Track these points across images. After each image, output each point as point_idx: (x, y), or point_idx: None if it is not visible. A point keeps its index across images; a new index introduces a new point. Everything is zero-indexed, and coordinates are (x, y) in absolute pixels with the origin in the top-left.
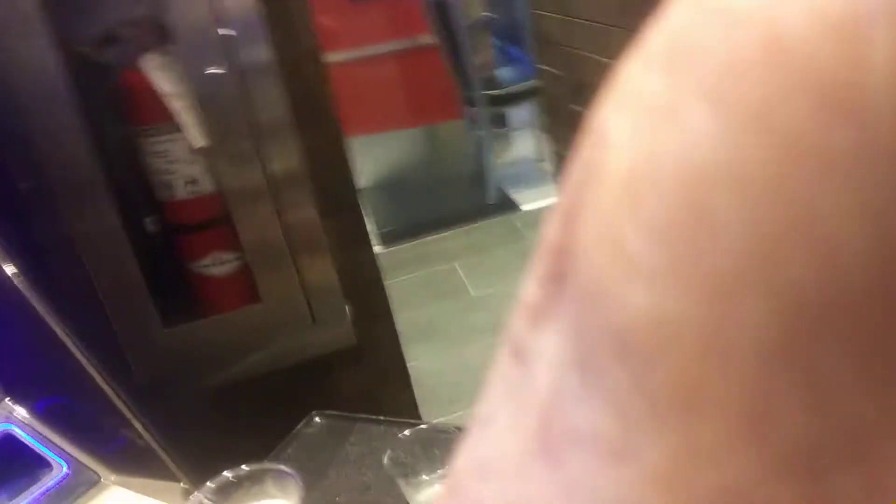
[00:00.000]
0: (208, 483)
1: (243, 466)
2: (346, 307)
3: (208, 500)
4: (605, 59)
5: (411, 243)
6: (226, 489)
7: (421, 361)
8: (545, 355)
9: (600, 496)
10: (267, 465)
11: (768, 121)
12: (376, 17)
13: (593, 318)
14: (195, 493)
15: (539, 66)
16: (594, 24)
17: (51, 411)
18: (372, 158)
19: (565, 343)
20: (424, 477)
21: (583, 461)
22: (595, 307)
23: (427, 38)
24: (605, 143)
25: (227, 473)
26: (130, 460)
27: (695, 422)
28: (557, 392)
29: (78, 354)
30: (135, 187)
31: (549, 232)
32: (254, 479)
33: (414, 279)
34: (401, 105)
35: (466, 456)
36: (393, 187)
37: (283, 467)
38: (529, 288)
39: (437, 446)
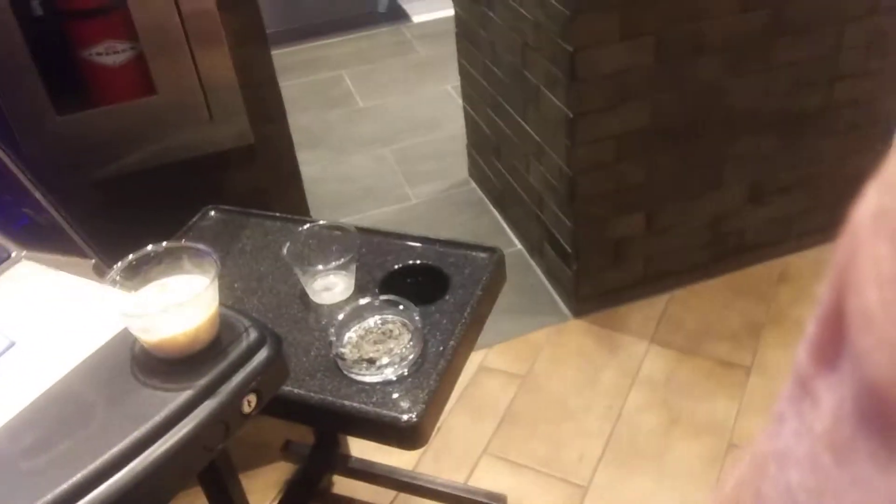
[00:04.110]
0: (130, 256)
1: (162, 243)
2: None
3: (122, 276)
4: None
5: (298, 47)
6: (144, 264)
7: (306, 168)
8: (826, 399)
9: (877, 490)
10: (184, 242)
11: None
12: None
13: (871, 389)
14: (116, 265)
15: None
16: None
17: None
18: None
19: (843, 400)
20: (319, 267)
21: (861, 466)
22: (872, 384)
23: None
24: (868, 256)
25: (148, 248)
26: (39, 237)
27: None
28: (837, 427)
29: None
30: None
31: (824, 290)
32: (171, 255)
33: (300, 85)
34: None
35: (768, 444)
36: None
37: (200, 245)
38: (812, 327)
39: (331, 242)
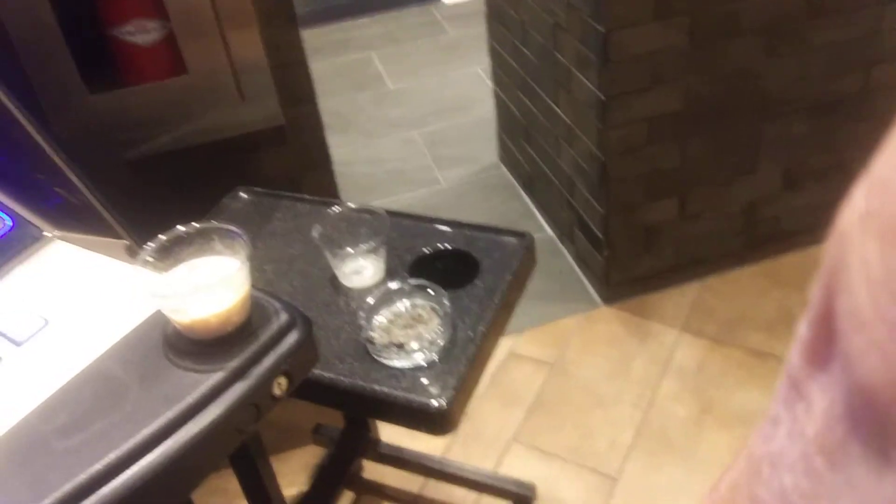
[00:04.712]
0: (160, 236)
1: (193, 224)
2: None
3: (153, 256)
4: None
5: (326, 28)
6: (175, 245)
7: (335, 150)
8: (818, 401)
9: (870, 494)
10: (215, 224)
11: None
12: None
13: (862, 391)
14: (146, 244)
15: None
16: None
17: None
18: None
19: (834, 402)
20: (349, 250)
21: (854, 469)
22: (863, 386)
23: None
24: (857, 257)
25: (179, 229)
26: (72, 217)
27: None
28: (829, 430)
29: (14, 111)
30: None
31: (815, 292)
32: (202, 236)
33: (329, 66)
34: None
35: (762, 446)
36: None
37: (231, 227)
38: (803, 329)
39: (361, 225)
